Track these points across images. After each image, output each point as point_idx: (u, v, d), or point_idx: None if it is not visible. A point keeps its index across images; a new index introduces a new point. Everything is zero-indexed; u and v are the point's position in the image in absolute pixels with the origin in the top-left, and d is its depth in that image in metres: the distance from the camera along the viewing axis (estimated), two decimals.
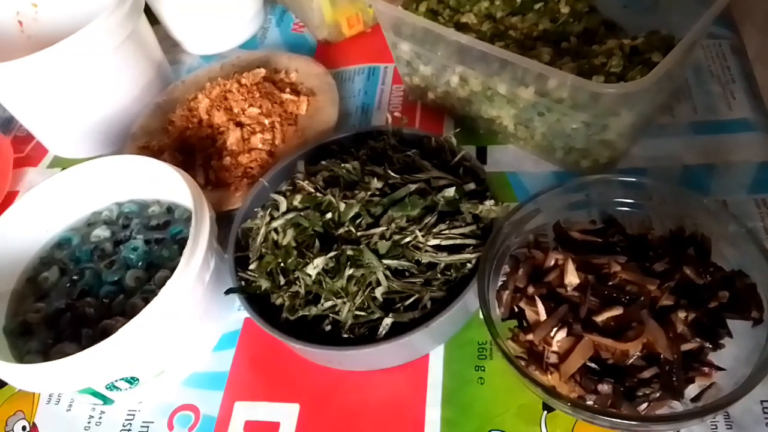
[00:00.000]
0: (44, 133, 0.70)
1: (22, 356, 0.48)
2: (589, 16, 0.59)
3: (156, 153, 0.63)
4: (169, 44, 0.78)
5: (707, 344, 0.38)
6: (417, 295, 0.44)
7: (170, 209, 0.56)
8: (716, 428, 0.40)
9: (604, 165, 0.54)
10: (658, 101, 0.54)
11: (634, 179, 0.45)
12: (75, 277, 0.53)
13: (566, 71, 0.51)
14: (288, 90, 0.64)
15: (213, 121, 0.61)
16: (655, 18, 0.56)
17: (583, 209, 0.47)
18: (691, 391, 0.38)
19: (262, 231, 0.47)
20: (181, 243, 0.53)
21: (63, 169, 0.70)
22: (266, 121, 0.61)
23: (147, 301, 0.49)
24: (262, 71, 0.64)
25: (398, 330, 0.43)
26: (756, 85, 0.58)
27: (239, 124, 0.61)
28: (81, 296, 0.51)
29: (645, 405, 0.37)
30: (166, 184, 0.53)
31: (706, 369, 0.38)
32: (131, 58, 0.67)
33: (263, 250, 0.47)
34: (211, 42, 0.78)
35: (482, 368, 0.45)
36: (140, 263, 0.52)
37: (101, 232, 0.55)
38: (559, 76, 0.47)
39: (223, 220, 0.53)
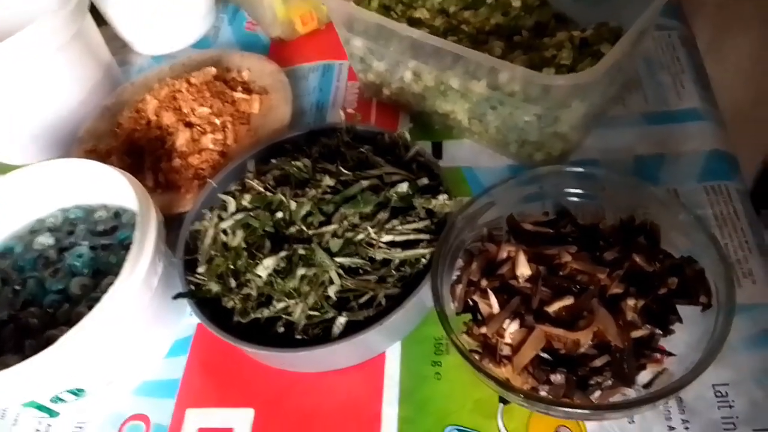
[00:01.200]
0: None
1: None
2: (540, 9, 0.59)
3: (104, 156, 0.61)
4: (118, 45, 0.76)
5: (658, 331, 0.38)
6: (371, 293, 0.43)
7: (117, 214, 0.54)
8: (670, 414, 0.40)
9: (558, 157, 0.54)
10: (609, 93, 0.55)
11: (586, 170, 0.45)
12: (17, 287, 0.50)
13: (517, 64, 0.51)
14: (240, 89, 0.63)
15: (162, 122, 0.60)
16: (605, 10, 0.56)
17: (536, 201, 0.47)
18: (644, 377, 0.38)
19: (211, 233, 0.45)
20: (129, 248, 0.52)
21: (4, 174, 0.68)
22: (217, 121, 0.59)
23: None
24: (213, 70, 0.63)
25: (354, 329, 0.42)
26: (705, 75, 0.59)
27: (189, 125, 0.59)
28: (24, 306, 0.49)
29: (598, 393, 0.37)
30: (112, 188, 0.52)
31: (657, 355, 0.38)
32: (77, 59, 0.65)
33: (212, 253, 0.45)
34: (162, 42, 0.76)
35: (439, 363, 0.45)
36: (86, 270, 0.50)
37: (45, 240, 0.53)
38: (510, 69, 0.47)
39: (173, 223, 0.51)
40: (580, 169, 0.45)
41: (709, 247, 0.40)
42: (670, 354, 0.38)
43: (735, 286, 0.37)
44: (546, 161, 0.54)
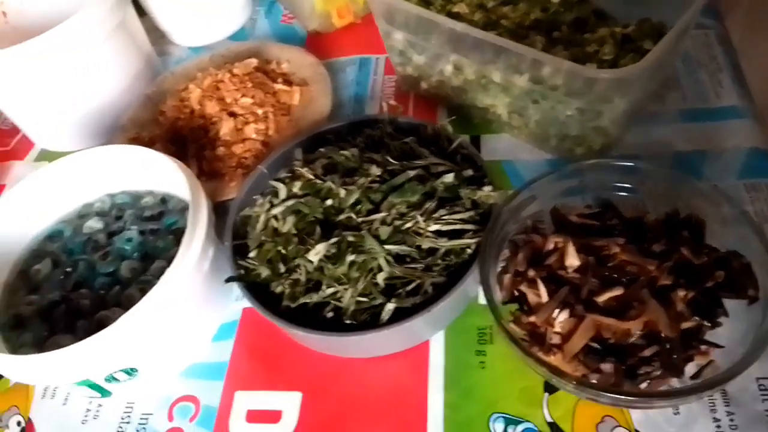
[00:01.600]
0: (31, 126, 0.69)
1: (15, 349, 0.47)
2: (580, 5, 0.59)
3: (147, 144, 0.61)
4: (156, 36, 0.77)
5: (705, 323, 0.39)
6: (418, 281, 0.44)
7: (164, 200, 0.56)
8: (714, 405, 0.41)
9: (598, 152, 0.54)
10: (650, 88, 0.55)
11: (629, 163, 0.45)
12: (68, 269, 0.52)
13: (560, 57, 0.52)
14: (280, 80, 0.64)
15: (205, 111, 0.61)
16: (644, 7, 0.57)
17: (578, 195, 0.47)
18: (690, 369, 0.39)
19: (262, 218, 0.46)
20: (177, 234, 0.53)
21: (50, 162, 0.69)
22: (259, 111, 0.60)
23: (144, 292, 0.49)
24: (254, 61, 0.64)
25: (400, 315, 0.43)
26: (742, 74, 0.59)
27: (232, 114, 0.60)
28: (75, 288, 0.51)
29: (646, 383, 0.38)
30: (159, 175, 0.53)
31: (704, 347, 0.39)
32: (120, 48, 0.66)
33: (263, 238, 0.46)
34: (200, 33, 0.77)
35: (483, 353, 0.46)
36: (135, 254, 0.52)
37: (94, 224, 0.54)
38: (554, 63, 0.48)
39: (217, 211, 0.52)
40: (623, 162, 0.46)
41: (754, 241, 0.40)
42: (717, 346, 0.38)
43: None
44: (586, 156, 0.55)
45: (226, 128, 0.59)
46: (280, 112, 0.62)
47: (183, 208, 0.54)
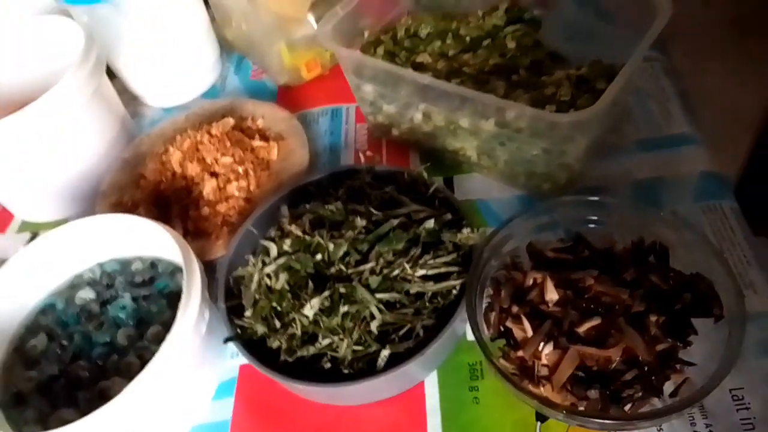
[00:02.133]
0: (10, 198, 0.70)
1: (20, 427, 0.47)
2: (535, 49, 0.64)
3: (130, 208, 0.63)
4: (128, 97, 0.79)
5: (678, 343, 0.42)
6: (409, 325, 0.46)
7: (153, 264, 0.57)
8: (693, 419, 0.44)
9: (564, 186, 0.58)
10: (607, 124, 0.59)
11: (596, 199, 0.49)
12: (64, 342, 0.53)
13: (521, 102, 0.56)
14: (257, 137, 0.66)
15: (187, 172, 0.63)
16: (594, 47, 0.61)
17: (550, 230, 0.51)
18: (668, 387, 0.42)
19: (256, 277, 0.48)
20: (169, 297, 0.54)
21: (33, 232, 0.70)
22: (240, 169, 0.63)
23: (142, 359, 0.50)
24: (231, 121, 0.66)
25: (395, 360, 0.45)
26: (689, 102, 0.64)
27: (214, 174, 0.62)
28: (73, 360, 0.52)
29: (630, 405, 0.41)
30: (147, 240, 0.54)
31: (679, 366, 0.42)
32: (97, 115, 0.67)
33: (257, 296, 0.48)
34: (172, 94, 0.79)
35: (476, 388, 0.48)
36: (130, 321, 0.53)
37: (86, 294, 0.55)
38: (518, 109, 0.51)
39: (206, 269, 0.54)
40: (591, 198, 0.50)
41: (714, 263, 0.44)
42: (690, 364, 0.42)
43: (744, 296, 0.41)
44: (553, 190, 0.58)
45: (209, 188, 0.61)
46: (259, 167, 0.64)
47: (173, 271, 0.56)
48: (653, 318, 0.41)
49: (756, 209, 0.61)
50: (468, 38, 0.66)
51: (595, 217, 0.50)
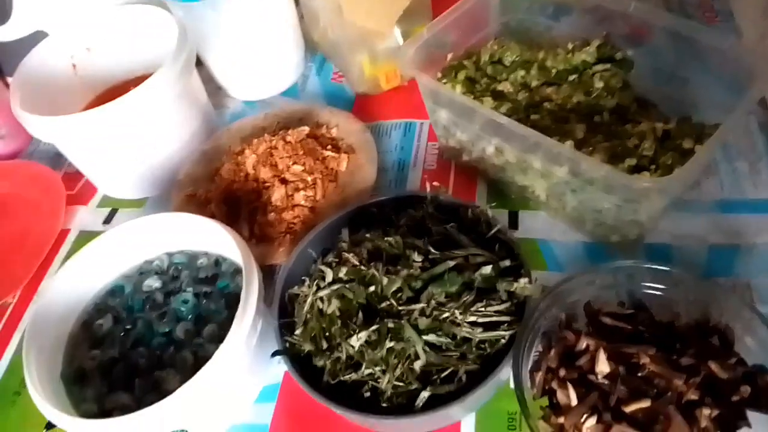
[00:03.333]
0: (96, 176, 0.74)
1: (78, 404, 0.51)
2: (622, 92, 0.61)
3: (203, 203, 0.66)
4: (212, 87, 0.81)
5: None
6: (453, 368, 0.47)
7: (218, 262, 0.59)
8: None
9: (633, 240, 0.56)
10: (689, 185, 0.57)
11: (665, 269, 0.47)
12: (128, 327, 0.56)
13: (599, 152, 0.54)
14: (329, 146, 0.67)
15: (259, 176, 0.64)
16: (685, 95, 0.59)
17: (612, 289, 0.49)
18: None
19: (309, 300, 0.50)
20: (228, 297, 0.57)
21: (112, 208, 0.74)
22: (309, 179, 0.64)
23: (196, 355, 0.53)
24: (306, 129, 0.67)
25: (434, 401, 0.45)
26: None
27: (284, 181, 0.64)
28: (134, 346, 0.55)
29: None
30: (213, 239, 0.57)
31: None
32: (185, 106, 0.70)
33: (308, 317, 0.50)
34: (255, 88, 0.81)
35: None
36: (189, 316, 0.55)
37: (153, 282, 0.58)
38: (592, 164, 0.50)
39: (265, 273, 0.56)
40: (656, 266, 0.48)
41: None
42: None
43: None
44: (621, 243, 0.56)
45: (278, 195, 0.63)
46: (327, 178, 0.65)
47: (234, 272, 0.58)
48: (706, 411, 0.39)
49: None
50: (554, 71, 0.64)
51: (662, 286, 0.48)
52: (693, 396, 0.40)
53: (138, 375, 0.53)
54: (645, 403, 0.40)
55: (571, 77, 0.63)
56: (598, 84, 0.62)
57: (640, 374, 0.42)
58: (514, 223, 0.62)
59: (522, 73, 0.65)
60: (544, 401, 0.45)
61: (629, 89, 0.62)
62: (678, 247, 0.56)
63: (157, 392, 0.51)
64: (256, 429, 0.53)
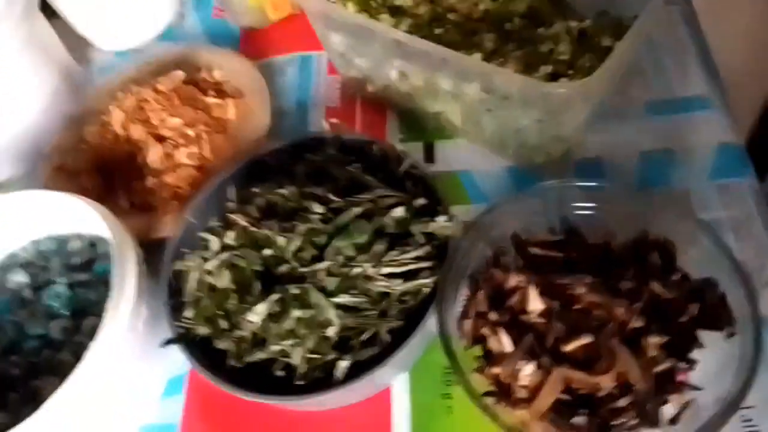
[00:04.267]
0: None
1: None
2: None
3: (73, 175, 0.56)
4: (73, 40, 0.69)
5: (680, 363, 0.36)
6: (374, 329, 0.41)
7: (93, 244, 0.51)
8: None
9: (559, 159, 0.51)
10: (612, 88, 0.51)
11: (594, 184, 0.42)
12: None
13: (512, 62, 0.48)
14: (212, 92, 0.58)
15: (130, 136, 0.55)
16: None
17: (541, 217, 0.44)
18: (668, 410, 0.36)
19: (195, 275, 0.42)
20: (109, 283, 0.48)
21: None
22: (191, 132, 0.55)
23: (78, 355, 0.44)
24: (180, 74, 0.58)
25: (358, 368, 0.40)
26: (710, 57, 0.55)
27: (160, 138, 0.55)
28: (3, 354, 0.46)
29: None
30: (81, 216, 0.48)
31: (680, 388, 0.36)
32: (32, 62, 0.60)
33: (199, 295, 0.42)
34: (122, 35, 0.70)
35: (449, 396, 0.43)
36: (65, 311, 0.47)
37: (17, 277, 0.50)
38: (503, 75, 0.43)
39: (152, 250, 0.48)
40: (586, 183, 0.43)
41: (726, 267, 0.38)
42: (695, 388, 0.36)
43: (759, 316, 0.35)
44: (547, 163, 0.51)
45: (153, 155, 0.54)
46: (214, 129, 0.56)
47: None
48: (653, 339, 0.35)
49: None
50: None
51: (594, 204, 0.43)
52: (637, 323, 0.36)
53: (12, 388, 0.45)
54: (585, 339, 0.36)
55: None
56: None
57: (576, 307, 0.37)
58: (430, 156, 0.55)
59: None
60: (478, 351, 0.40)
61: None
62: (608, 160, 0.51)
63: (35, 404, 0.42)
64: (165, 428, 0.46)
